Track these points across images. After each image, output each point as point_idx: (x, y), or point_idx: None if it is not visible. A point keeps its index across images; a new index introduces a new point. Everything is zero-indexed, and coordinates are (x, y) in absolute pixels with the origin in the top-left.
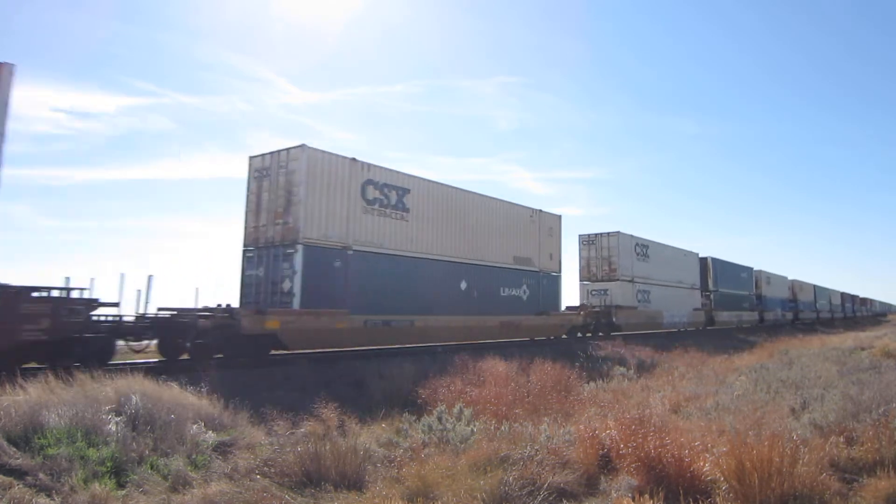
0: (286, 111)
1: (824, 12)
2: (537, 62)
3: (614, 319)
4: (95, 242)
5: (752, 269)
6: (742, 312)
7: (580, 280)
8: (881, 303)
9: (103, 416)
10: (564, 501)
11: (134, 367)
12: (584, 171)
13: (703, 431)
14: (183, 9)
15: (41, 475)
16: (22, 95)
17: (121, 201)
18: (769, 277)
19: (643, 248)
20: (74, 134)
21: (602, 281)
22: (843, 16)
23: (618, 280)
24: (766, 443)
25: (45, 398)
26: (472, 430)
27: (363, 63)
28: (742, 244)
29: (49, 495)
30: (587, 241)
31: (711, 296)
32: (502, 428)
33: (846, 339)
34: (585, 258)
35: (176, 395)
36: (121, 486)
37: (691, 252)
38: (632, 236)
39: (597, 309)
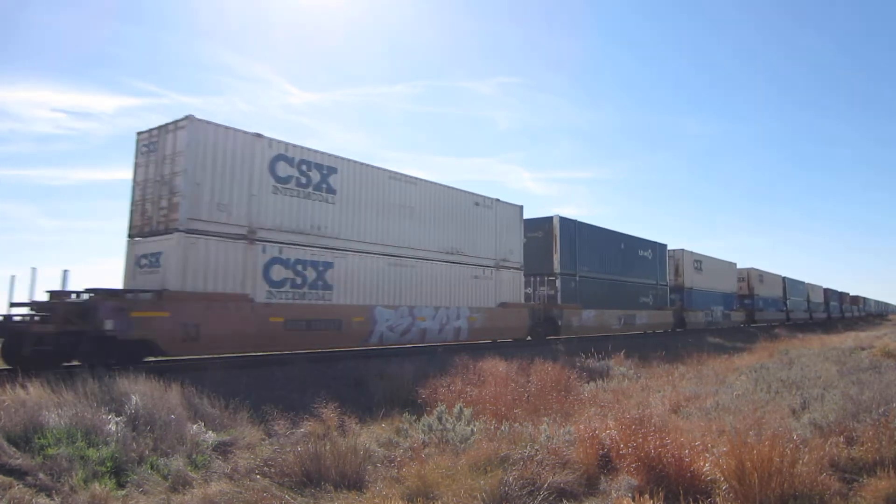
0: (286, 111)
1: (819, 16)
2: (537, 63)
3: (108, 326)
4: (95, 242)
5: (664, 246)
6: (637, 312)
7: (129, 234)
8: (876, 302)
9: (103, 416)
10: (564, 501)
11: (135, 367)
12: (584, 171)
13: (703, 431)
14: (184, 9)
15: (41, 475)
16: (22, 96)
17: (121, 201)
18: (699, 262)
19: (310, 171)
20: (74, 134)
21: (156, 235)
22: (837, 20)
23: (176, 232)
24: (766, 443)
25: (45, 398)
26: (472, 430)
27: (363, 63)
28: (744, 244)
29: (49, 495)
30: (146, 148)
31: (559, 282)
32: (502, 428)
33: (846, 340)
34: (141, 184)
35: (176, 394)
36: (121, 486)
37: (497, 201)
38: (259, 137)
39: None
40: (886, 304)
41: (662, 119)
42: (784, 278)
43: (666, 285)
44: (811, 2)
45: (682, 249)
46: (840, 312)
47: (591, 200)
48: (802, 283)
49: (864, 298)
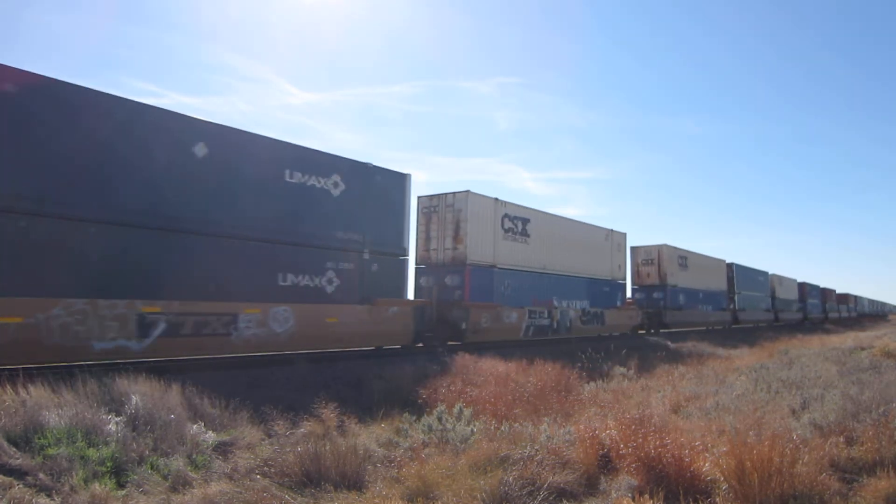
0: (286, 111)
1: (814, 17)
2: (536, 63)
3: None
4: None
5: (401, 177)
6: (244, 310)
7: None
8: (871, 301)
9: (103, 416)
10: (564, 501)
11: (135, 367)
12: (584, 171)
13: (703, 431)
14: (185, 10)
15: (41, 475)
16: None
17: None
18: (519, 221)
19: None
20: None
21: None
22: (833, 21)
23: None
24: (766, 443)
25: (45, 398)
26: (472, 430)
27: (363, 63)
28: (743, 245)
29: (49, 495)
30: None
31: None
32: (502, 428)
33: (846, 339)
34: None
35: (176, 394)
36: (121, 486)
37: None
38: None
39: None
40: (883, 304)
41: (661, 120)
42: (731, 265)
43: (404, 256)
44: (807, 3)
45: (468, 192)
46: (822, 312)
47: (590, 201)
48: (764, 273)
49: (856, 297)
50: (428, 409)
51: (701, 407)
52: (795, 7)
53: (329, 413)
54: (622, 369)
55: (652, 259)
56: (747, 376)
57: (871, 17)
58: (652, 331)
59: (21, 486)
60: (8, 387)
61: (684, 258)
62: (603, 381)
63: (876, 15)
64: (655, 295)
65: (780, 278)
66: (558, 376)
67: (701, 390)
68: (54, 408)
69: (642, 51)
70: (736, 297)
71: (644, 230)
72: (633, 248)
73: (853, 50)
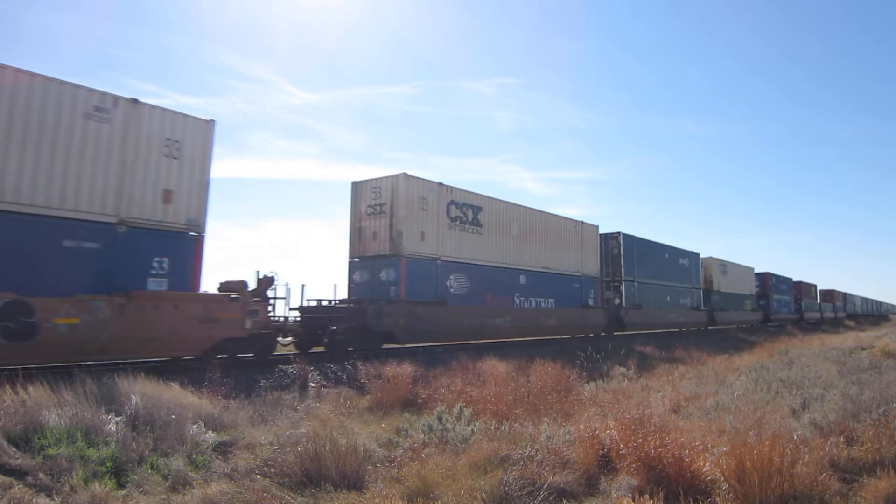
0: (286, 111)
1: (814, 18)
2: (535, 63)
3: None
4: None
5: None
6: None
7: None
8: (865, 299)
9: (103, 416)
10: (564, 501)
11: (134, 367)
12: (584, 171)
13: (703, 431)
14: (184, 10)
15: (41, 475)
16: None
17: None
18: None
19: None
20: None
21: None
22: (833, 22)
23: None
24: (766, 443)
25: (45, 398)
26: (473, 430)
27: (363, 63)
28: (742, 244)
29: (49, 495)
30: None
31: None
32: (502, 428)
33: (846, 339)
34: None
35: (176, 394)
36: (121, 486)
37: None
38: None
39: None
40: (879, 303)
41: (660, 120)
42: (616, 236)
43: None
44: (807, 3)
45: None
46: (796, 312)
47: (589, 201)
48: (690, 254)
49: (845, 294)
50: (428, 409)
51: (701, 407)
52: (795, 7)
53: (329, 413)
54: (622, 369)
55: (381, 204)
56: (747, 376)
57: (871, 17)
58: (351, 348)
59: (21, 486)
60: (8, 387)
61: (473, 209)
62: (603, 380)
63: (876, 15)
64: (384, 275)
65: (724, 265)
66: (558, 376)
67: (701, 390)
68: (54, 408)
69: (642, 51)
70: (623, 288)
71: (644, 230)
72: (354, 185)
73: (853, 50)
